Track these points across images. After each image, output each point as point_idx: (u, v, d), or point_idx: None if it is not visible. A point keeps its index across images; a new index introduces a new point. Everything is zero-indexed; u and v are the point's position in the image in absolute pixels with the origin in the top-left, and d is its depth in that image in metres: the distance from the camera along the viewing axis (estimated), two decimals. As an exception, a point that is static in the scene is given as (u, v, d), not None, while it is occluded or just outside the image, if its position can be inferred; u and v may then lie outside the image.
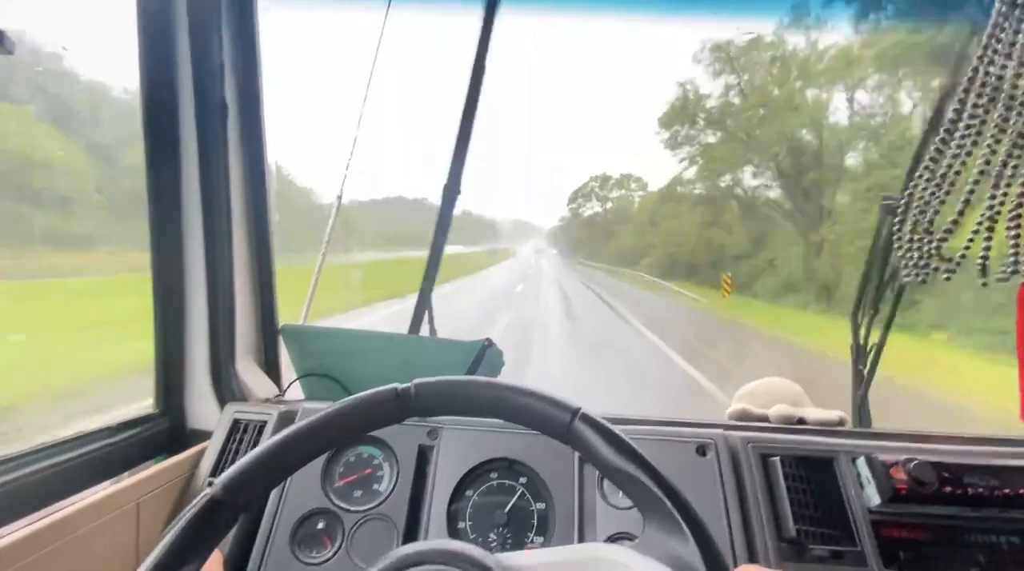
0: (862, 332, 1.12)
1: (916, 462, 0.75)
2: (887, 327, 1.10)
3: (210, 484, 0.88)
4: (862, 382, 1.13)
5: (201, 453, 0.94)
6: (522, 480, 0.89)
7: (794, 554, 0.75)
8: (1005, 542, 0.75)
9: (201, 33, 0.89)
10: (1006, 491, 0.73)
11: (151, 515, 0.84)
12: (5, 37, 0.57)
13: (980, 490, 0.73)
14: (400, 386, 0.51)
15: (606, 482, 0.86)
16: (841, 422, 1.01)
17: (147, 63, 0.85)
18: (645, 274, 23.88)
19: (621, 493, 0.85)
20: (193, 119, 0.90)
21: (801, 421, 1.00)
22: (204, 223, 0.95)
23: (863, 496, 0.78)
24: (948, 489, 0.73)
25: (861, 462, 0.80)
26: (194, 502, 0.44)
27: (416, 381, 0.51)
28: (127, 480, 0.82)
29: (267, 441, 0.48)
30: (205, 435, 0.99)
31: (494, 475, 0.89)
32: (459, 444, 0.91)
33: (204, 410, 1.02)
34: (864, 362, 1.12)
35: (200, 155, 0.91)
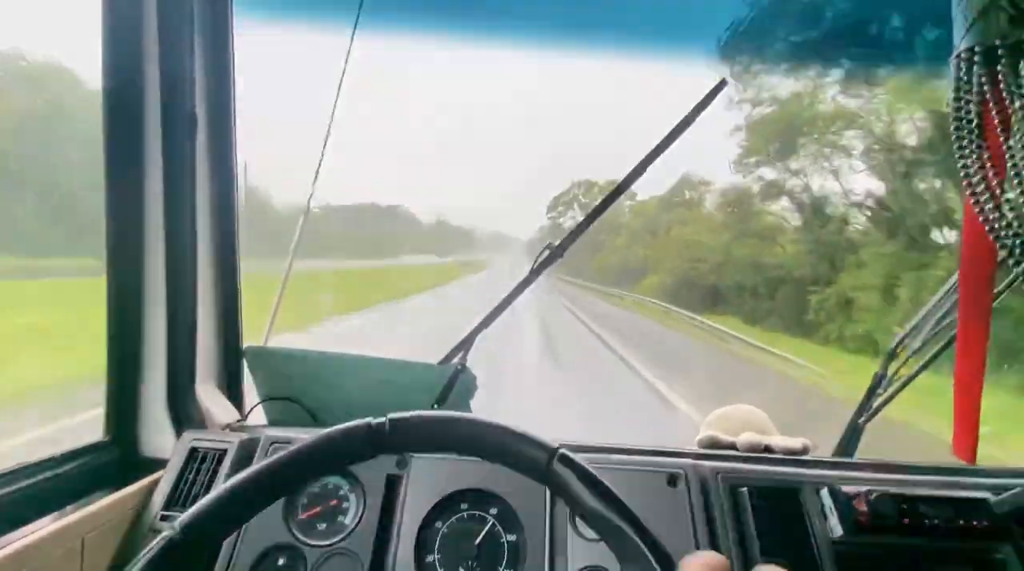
0: (894, 364, 1.10)
1: (877, 494, 0.77)
2: (923, 366, 1.07)
3: (163, 519, 0.84)
4: (867, 411, 1.13)
5: (154, 484, 0.89)
6: (493, 511, 0.87)
7: None
8: None
9: (171, 39, 0.86)
10: (961, 523, 0.76)
11: (97, 553, 0.79)
12: None
13: (937, 522, 0.76)
14: (374, 421, 0.49)
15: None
16: (805, 449, 1.03)
17: (112, 67, 0.82)
18: (654, 301, 16.43)
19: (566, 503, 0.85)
20: (159, 127, 0.86)
21: (768, 449, 1.02)
22: (166, 237, 0.91)
23: (827, 527, 0.80)
24: (907, 520, 0.76)
25: (825, 493, 0.82)
26: (151, 544, 0.42)
27: (390, 416, 0.49)
28: (71, 515, 0.76)
29: (232, 479, 0.46)
30: (158, 464, 0.94)
31: (464, 506, 0.88)
32: (429, 473, 0.89)
33: (158, 437, 0.96)
34: (880, 393, 1.11)
35: (165, 166, 0.87)
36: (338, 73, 1.23)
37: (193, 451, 0.92)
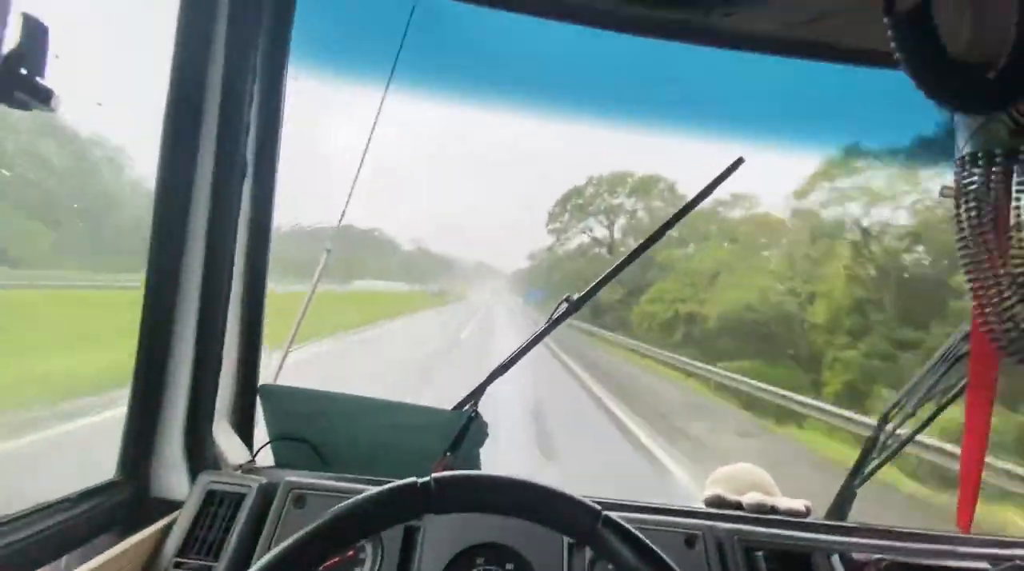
0: (889, 426, 1.14)
1: (887, 562, 0.80)
2: (916, 432, 1.12)
3: (177, 566, 0.82)
4: (860, 475, 1.17)
5: (167, 527, 0.87)
6: (509, 567, 0.87)
7: None
8: None
9: (233, 87, 0.89)
10: None
11: (110, 602, 0.76)
12: (53, 96, 0.57)
13: None
14: (420, 480, 0.50)
15: (596, 568, 0.86)
16: (807, 511, 1.06)
17: (175, 112, 0.85)
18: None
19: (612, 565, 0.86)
20: (211, 174, 0.88)
21: (773, 509, 1.05)
22: (203, 279, 0.91)
23: None
24: None
25: (836, 559, 0.85)
26: (402, 481, 0.45)
27: (435, 476, 0.50)
28: (86, 563, 0.74)
29: (282, 545, 0.46)
30: (168, 505, 0.92)
31: (480, 560, 0.88)
32: (447, 526, 0.89)
33: (172, 477, 0.94)
34: (874, 457, 1.15)
35: (211, 214, 0.89)
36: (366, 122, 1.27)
37: (210, 495, 0.90)
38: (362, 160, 1.19)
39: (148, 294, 0.88)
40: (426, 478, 0.50)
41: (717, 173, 1.07)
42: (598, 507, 0.51)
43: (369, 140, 1.15)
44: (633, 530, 0.51)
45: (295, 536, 0.47)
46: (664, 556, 0.51)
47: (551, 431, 6.69)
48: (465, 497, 0.52)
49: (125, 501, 0.89)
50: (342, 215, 1.18)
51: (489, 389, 1.13)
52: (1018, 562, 0.81)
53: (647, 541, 0.51)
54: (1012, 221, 0.79)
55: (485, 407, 1.11)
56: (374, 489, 0.50)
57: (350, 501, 0.49)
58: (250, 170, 0.96)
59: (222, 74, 0.86)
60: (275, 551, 0.46)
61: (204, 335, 0.94)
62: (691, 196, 1.09)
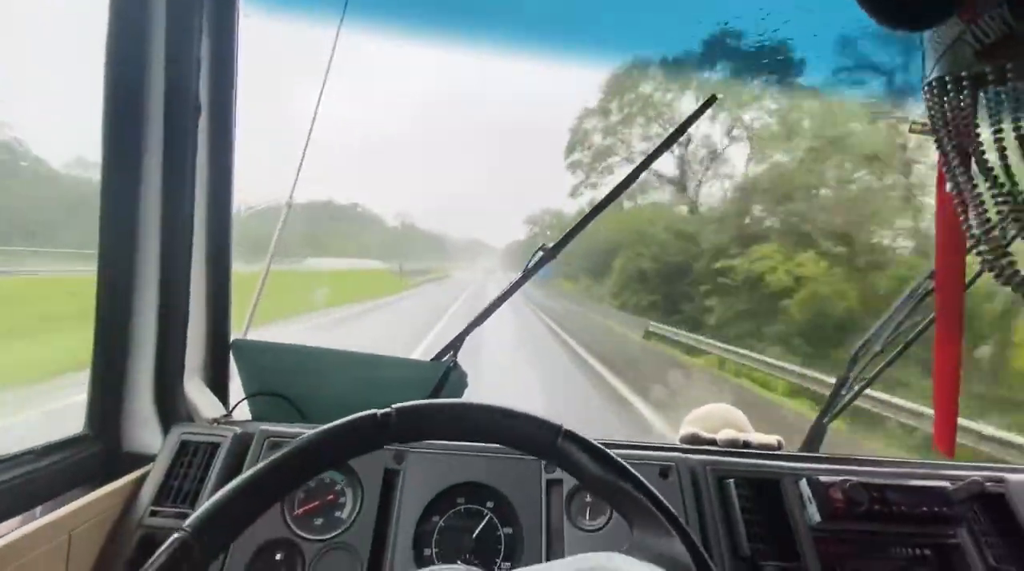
0: (858, 367, 1.17)
1: (851, 483, 0.83)
2: (880, 370, 1.15)
3: (153, 514, 0.82)
4: (831, 411, 1.21)
5: (141, 479, 0.86)
6: (489, 504, 0.89)
7: None
8: (921, 553, 0.85)
9: (179, 26, 0.84)
10: (923, 509, 0.83)
11: (84, 550, 0.75)
12: None
13: (903, 508, 0.83)
14: (379, 411, 0.49)
15: (573, 504, 0.88)
16: (779, 445, 1.10)
17: (116, 54, 0.79)
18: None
19: (588, 515, 0.88)
20: (161, 117, 0.84)
21: (746, 444, 1.08)
22: (163, 228, 0.88)
23: (806, 514, 0.86)
24: (877, 507, 0.82)
25: (803, 483, 0.88)
26: (162, 547, 0.40)
27: (396, 405, 0.50)
28: (56, 512, 0.73)
29: (239, 477, 0.45)
30: (142, 459, 0.91)
31: (461, 500, 0.89)
32: (426, 468, 0.90)
33: (144, 432, 0.93)
34: (843, 394, 1.19)
35: (165, 157, 0.85)
36: (318, 70, 1.23)
37: (184, 445, 0.89)
38: (316, 111, 1.15)
39: (103, 245, 0.84)
40: (386, 408, 0.49)
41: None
42: (558, 423, 0.52)
43: (323, 87, 1.11)
44: (592, 441, 0.51)
45: (256, 467, 0.46)
46: (624, 463, 0.51)
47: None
48: (425, 424, 0.51)
49: (96, 455, 0.87)
50: (298, 171, 1.15)
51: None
52: (977, 479, 0.84)
53: (606, 450, 0.51)
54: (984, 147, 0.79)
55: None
56: (333, 423, 0.49)
57: (311, 432, 0.48)
58: (205, 108, 0.91)
59: (165, 5, 0.81)
60: (236, 481, 0.45)
61: (168, 288, 0.91)
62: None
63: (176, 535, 0.41)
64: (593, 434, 0.55)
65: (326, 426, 0.49)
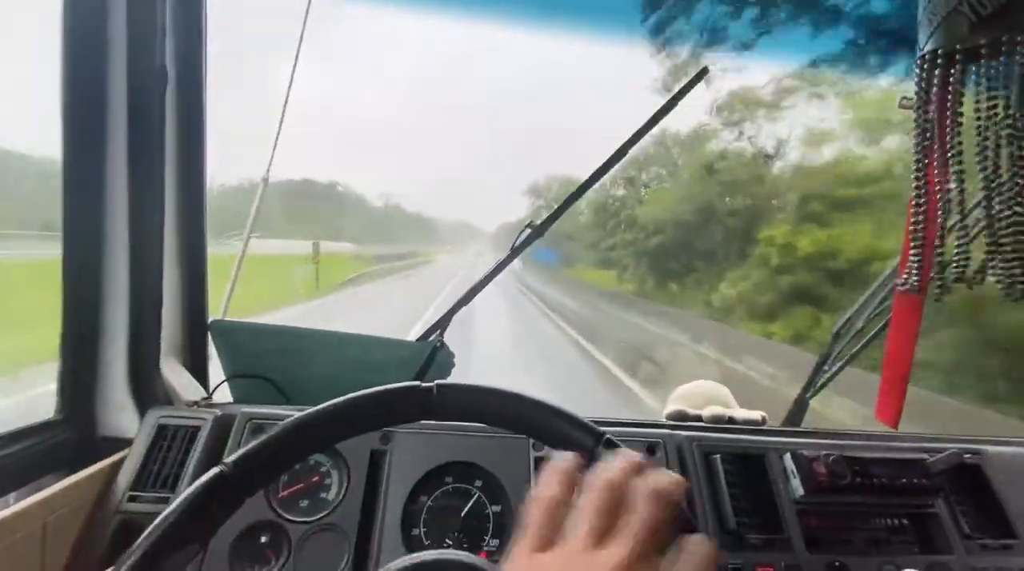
0: (840, 343, 1.18)
1: (834, 457, 0.84)
2: (862, 346, 1.15)
3: (131, 500, 0.80)
4: (813, 387, 1.22)
5: (117, 465, 0.83)
6: (477, 483, 0.88)
7: (733, 544, 0.82)
8: (899, 523, 0.87)
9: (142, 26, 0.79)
10: (903, 481, 0.85)
11: (60, 537, 0.73)
12: None
13: (883, 480, 0.84)
14: (423, 384, 0.49)
15: None
16: (763, 421, 1.11)
17: (72, 18, 0.74)
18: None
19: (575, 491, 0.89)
20: (125, 90, 0.79)
21: (731, 420, 1.09)
22: (131, 201, 0.84)
23: (789, 488, 0.87)
24: (859, 480, 0.84)
25: (787, 457, 0.89)
26: (202, 477, 0.41)
27: (437, 382, 0.50)
28: (29, 499, 0.71)
29: (282, 423, 0.45)
30: (120, 444, 0.88)
31: (449, 479, 0.88)
32: (413, 448, 0.89)
33: (119, 416, 0.90)
34: (826, 370, 1.20)
35: (131, 128, 0.80)
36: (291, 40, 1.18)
37: (162, 429, 0.87)
38: (290, 82, 1.11)
39: (68, 224, 0.80)
40: (428, 383, 0.49)
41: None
42: (600, 429, 0.50)
43: (297, 54, 1.07)
44: (635, 453, 0.50)
45: (302, 414, 0.46)
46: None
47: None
48: (465, 404, 0.51)
49: (70, 440, 0.85)
50: (274, 147, 1.11)
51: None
52: (955, 451, 0.86)
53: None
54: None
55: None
56: (377, 388, 0.49)
57: (350, 395, 0.48)
58: (173, 78, 0.86)
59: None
60: (280, 426, 0.45)
61: (140, 268, 0.87)
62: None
63: (216, 469, 0.42)
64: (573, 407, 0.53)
65: (368, 390, 0.48)
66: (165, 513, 0.39)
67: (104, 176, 0.82)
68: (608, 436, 0.50)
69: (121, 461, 0.84)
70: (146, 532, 0.38)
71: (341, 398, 0.47)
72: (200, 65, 0.91)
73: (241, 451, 0.43)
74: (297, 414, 0.46)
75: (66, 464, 0.84)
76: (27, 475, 0.79)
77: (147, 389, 0.92)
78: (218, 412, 0.89)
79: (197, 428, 0.86)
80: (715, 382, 1.23)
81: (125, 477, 0.82)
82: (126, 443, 0.87)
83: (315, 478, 0.86)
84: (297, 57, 1.08)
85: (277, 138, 1.37)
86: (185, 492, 0.40)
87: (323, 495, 0.85)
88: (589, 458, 0.49)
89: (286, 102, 1.21)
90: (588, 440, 0.50)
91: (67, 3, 0.73)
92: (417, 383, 0.49)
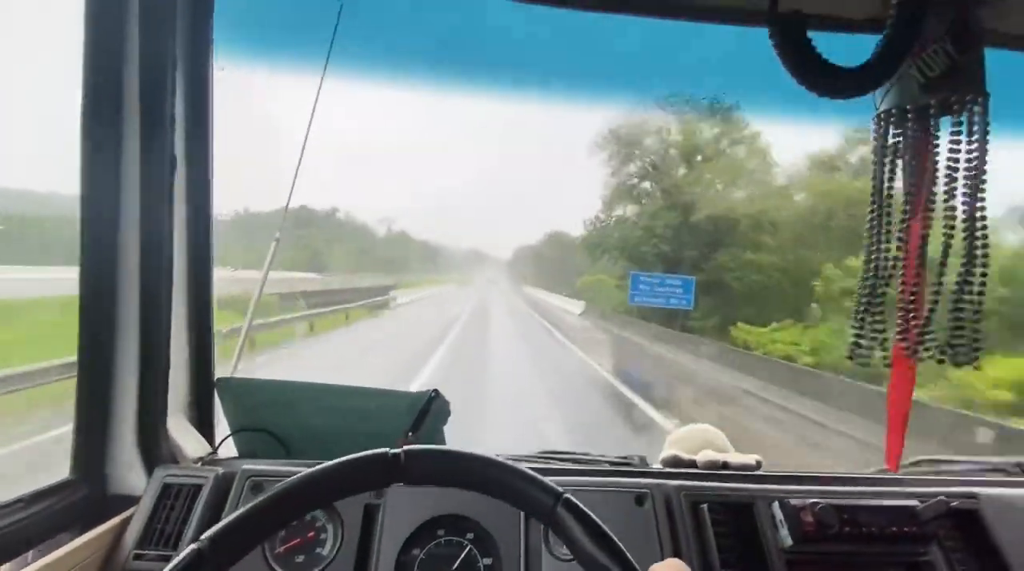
0: None
1: (821, 505, 0.84)
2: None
3: (136, 558, 0.84)
4: None
5: (125, 523, 0.88)
6: (469, 536, 0.90)
7: None
8: None
9: (152, 83, 0.87)
10: (892, 529, 0.84)
11: (68, 597, 0.77)
12: None
13: (872, 529, 0.84)
14: (390, 452, 0.51)
15: (552, 535, 0.89)
16: (758, 465, 1.11)
17: (92, 109, 0.83)
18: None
19: (565, 545, 0.90)
20: (138, 169, 0.87)
21: (725, 465, 1.09)
22: (141, 266, 0.91)
23: (778, 537, 0.87)
24: (847, 529, 0.84)
25: (776, 506, 0.89)
26: (180, 555, 0.44)
27: (405, 448, 0.52)
28: (41, 559, 0.75)
29: (257, 499, 0.48)
30: (127, 501, 0.93)
31: (441, 532, 0.90)
32: (406, 501, 0.91)
33: (128, 474, 0.95)
34: None
35: (143, 195, 0.88)
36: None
37: (166, 487, 0.91)
38: (303, 148, 1.18)
39: (84, 297, 0.87)
40: (396, 449, 0.51)
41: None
42: (559, 490, 0.52)
43: (309, 126, 1.15)
44: (591, 514, 0.51)
45: (270, 492, 0.48)
46: (618, 542, 0.50)
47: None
48: (433, 470, 0.53)
49: (82, 500, 0.89)
50: (288, 199, 1.18)
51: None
52: (943, 498, 0.86)
53: (604, 527, 0.51)
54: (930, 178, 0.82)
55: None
56: (345, 457, 0.51)
57: (321, 466, 0.50)
58: (182, 162, 0.94)
59: (139, 67, 0.84)
60: (251, 503, 0.48)
61: (148, 331, 0.93)
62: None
63: (193, 546, 0.44)
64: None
65: (336, 461, 0.51)
66: None
67: (116, 252, 0.89)
68: (567, 497, 0.52)
69: (129, 519, 0.88)
70: None
71: (314, 469, 0.50)
72: (207, 147, 1.00)
73: (218, 527, 0.46)
74: (267, 493, 0.48)
75: (79, 521, 0.89)
76: (44, 534, 0.84)
77: (154, 447, 0.97)
78: (219, 470, 0.93)
79: (200, 486, 0.91)
80: (710, 426, 1.23)
81: (132, 535, 0.86)
82: (134, 500, 0.91)
83: (310, 533, 0.89)
84: (307, 137, 1.15)
85: (291, 194, 1.43)
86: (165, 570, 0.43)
87: (318, 550, 0.88)
88: (549, 517, 0.51)
89: (301, 157, 1.27)
90: (548, 500, 0.51)
91: (86, 97, 0.82)
92: (386, 451, 0.51)
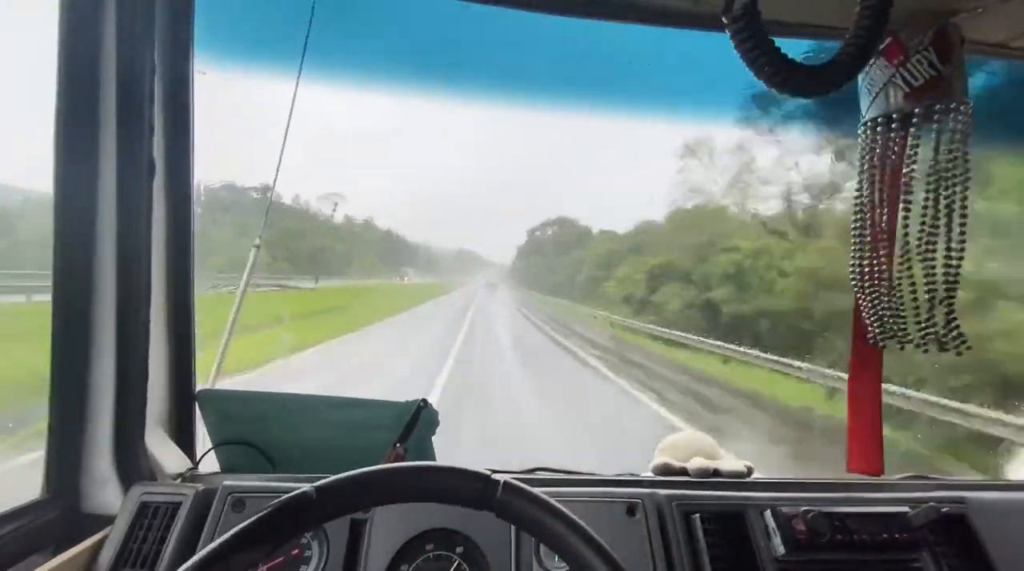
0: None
1: (813, 513, 0.84)
2: None
3: None
4: None
5: (100, 543, 0.84)
6: (458, 550, 0.88)
7: None
8: None
9: (130, 82, 0.85)
10: (884, 536, 0.84)
11: (39, 622, 0.74)
12: None
13: (865, 536, 0.84)
14: (304, 490, 0.48)
15: (543, 547, 0.88)
16: (749, 472, 1.11)
17: (68, 116, 0.80)
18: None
19: (557, 557, 0.88)
20: (114, 177, 0.85)
21: (716, 472, 1.09)
22: (118, 272, 0.88)
23: (771, 546, 0.86)
24: (839, 537, 0.83)
25: (768, 515, 0.89)
26: (287, 495, 0.46)
27: (316, 484, 0.49)
28: None
29: (223, 537, 0.46)
30: (103, 520, 0.89)
31: (430, 546, 0.88)
32: (393, 516, 0.89)
33: (103, 491, 0.91)
34: None
35: (120, 205, 0.86)
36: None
37: (143, 506, 0.88)
38: (282, 151, 1.16)
39: (57, 306, 0.84)
40: (307, 487, 0.48)
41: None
42: (487, 472, 0.50)
43: (287, 130, 1.13)
44: (535, 492, 0.50)
45: (191, 561, 0.45)
46: (562, 508, 0.50)
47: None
48: (349, 499, 0.50)
49: (55, 519, 0.86)
50: (267, 211, 1.16)
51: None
52: (933, 504, 0.86)
53: (550, 500, 0.50)
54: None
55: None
56: (264, 510, 0.48)
57: (239, 527, 0.47)
58: (161, 168, 0.92)
59: (116, 70, 0.82)
60: (358, 471, 0.50)
61: (125, 343, 0.90)
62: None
63: (302, 489, 0.47)
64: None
65: (253, 518, 0.47)
66: (247, 522, 0.43)
67: (92, 261, 0.86)
68: (496, 477, 0.50)
69: (104, 539, 0.85)
70: (227, 534, 0.42)
71: (226, 536, 0.46)
72: (188, 154, 0.97)
73: (331, 479, 0.48)
74: (189, 562, 0.44)
75: (52, 542, 0.85)
76: (14, 557, 0.80)
77: (132, 462, 0.93)
78: (199, 487, 0.90)
79: (179, 504, 0.87)
80: (702, 433, 1.23)
81: (106, 557, 0.83)
82: (109, 520, 0.88)
83: (295, 551, 0.86)
84: (283, 147, 1.13)
85: (270, 200, 1.43)
86: (269, 506, 0.44)
87: (303, 568, 0.85)
88: (490, 503, 0.49)
89: (278, 168, 1.26)
90: (479, 485, 0.50)
91: (60, 102, 0.79)
92: (302, 491, 0.48)
